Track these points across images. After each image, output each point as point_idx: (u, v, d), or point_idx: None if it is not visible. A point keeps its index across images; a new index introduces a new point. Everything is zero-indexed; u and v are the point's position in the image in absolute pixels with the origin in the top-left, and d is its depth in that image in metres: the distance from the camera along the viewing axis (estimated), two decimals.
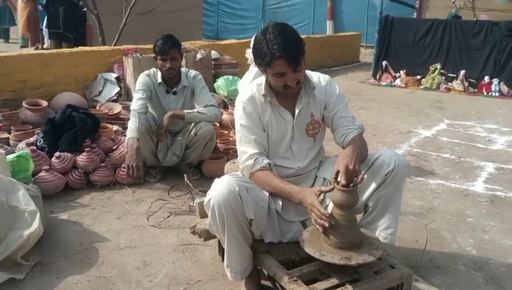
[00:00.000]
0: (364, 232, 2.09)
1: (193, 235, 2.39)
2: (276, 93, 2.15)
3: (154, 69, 3.73)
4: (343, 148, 2.17)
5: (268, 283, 2.24)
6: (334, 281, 1.95)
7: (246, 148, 2.11)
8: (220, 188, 1.90)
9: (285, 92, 2.09)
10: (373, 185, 2.12)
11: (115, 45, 6.80)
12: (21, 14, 9.92)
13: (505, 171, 4.13)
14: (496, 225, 3.04)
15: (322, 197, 2.00)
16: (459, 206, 3.34)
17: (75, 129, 3.52)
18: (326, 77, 2.28)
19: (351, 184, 1.90)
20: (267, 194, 2.06)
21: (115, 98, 5.38)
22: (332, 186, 1.90)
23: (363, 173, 1.94)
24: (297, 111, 2.17)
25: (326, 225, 1.86)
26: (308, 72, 2.24)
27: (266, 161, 2.11)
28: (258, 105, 2.14)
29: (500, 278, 2.42)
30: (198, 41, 7.57)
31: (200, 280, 2.34)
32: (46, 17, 9.58)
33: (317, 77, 2.26)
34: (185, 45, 6.63)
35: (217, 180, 1.96)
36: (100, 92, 5.48)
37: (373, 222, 2.18)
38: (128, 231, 2.83)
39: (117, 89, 5.47)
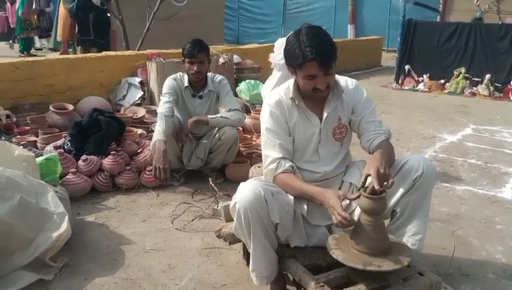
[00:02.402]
0: (391, 238, 2.07)
1: (217, 239, 2.39)
2: (304, 96, 2.14)
3: (181, 73, 3.76)
4: (370, 153, 2.15)
5: (293, 288, 2.22)
6: (361, 287, 1.93)
7: (270, 152, 2.11)
8: (245, 191, 1.90)
9: (314, 95, 2.08)
10: (401, 191, 2.09)
11: (138, 50, 6.90)
12: (63, 21, 10.12)
13: None
14: None
15: (347, 202, 1.98)
16: (487, 213, 3.27)
17: (101, 133, 3.57)
18: (354, 81, 2.27)
19: (380, 190, 1.88)
20: (292, 198, 2.06)
21: (139, 102, 5.44)
22: (358, 194, 1.88)
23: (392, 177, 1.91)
24: (325, 115, 2.15)
25: (347, 227, 1.85)
26: (335, 76, 2.23)
27: (289, 164, 2.10)
28: (285, 109, 2.14)
29: None
30: (220, 46, 7.61)
31: (225, 284, 2.34)
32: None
33: (344, 81, 2.24)
34: None
35: (242, 184, 1.97)
36: (124, 96, 5.56)
37: (401, 227, 2.15)
38: (153, 234, 2.85)
39: (141, 93, 5.54)
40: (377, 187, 1.81)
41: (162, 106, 3.50)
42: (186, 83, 3.66)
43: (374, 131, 2.17)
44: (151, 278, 2.39)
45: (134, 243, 2.73)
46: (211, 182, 3.04)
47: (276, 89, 2.22)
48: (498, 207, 3.38)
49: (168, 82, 3.64)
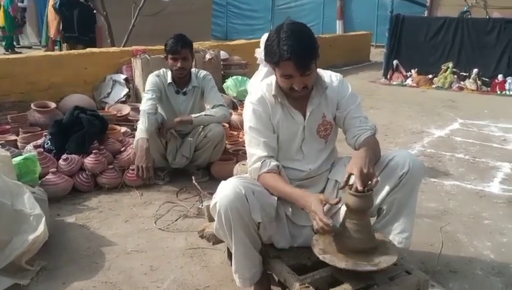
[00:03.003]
0: (378, 236, 2.02)
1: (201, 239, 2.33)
2: (286, 93, 2.07)
3: (164, 69, 3.68)
4: (355, 149, 2.09)
5: (278, 289, 2.17)
6: (347, 287, 1.87)
7: (254, 151, 2.04)
8: (226, 190, 1.84)
9: (291, 95, 2.02)
10: (387, 188, 2.04)
11: (123, 46, 6.79)
12: (53, 20, 9.94)
13: None
14: None
15: (327, 207, 1.91)
16: (475, 208, 3.24)
17: (82, 131, 3.48)
18: (338, 75, 2.21)
19: (365, 189, 1.83)
20: (275, 197, 1.99)
21: (124, 99, 5.34)
22: (339, 199, 1.84)
23: (377, 175, 1.86)
24: (308, 112, 2.09)
25: (328, 234, 1.80)
26: (319, 70, 2.16)
27: (274, 163, 2.03)
28: (268, 106, 2.07)
29: None
30: (207, 42, 7.52)
31: (208, 286, 2.28)
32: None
33: (328, 76, 2.18)
34: (194, 45, 6.60)
35: (223, 182, 1.90)
36: (109, 94, 5.45)
37: (387, 225, 2.10)
38: (136, 235, 2.78)
39: (126, 90, 5.43)
40: (360, 188, 1.76)
41: (145, 103, 3.42)
42: (169, 80, 3.58)
43: (359, 127, 2.11)
44: (132, 280, 2.31)
45: (115, 245, 2.66)
46: (194, 181, 2.97)
47: (258, 86, 2.15)
48: (486, 202, 3.35)
49: (151, 79, 3.56)
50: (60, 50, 9.78)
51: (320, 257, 1.88)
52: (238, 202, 1.81)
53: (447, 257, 2.56)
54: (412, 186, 2.04)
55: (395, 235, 2.08)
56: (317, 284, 1.93)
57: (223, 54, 6.59)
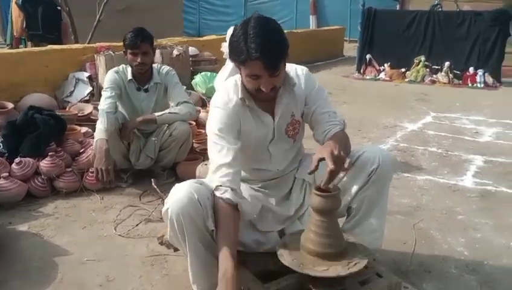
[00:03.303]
0: (348, 238, 1.90)
1: None
2: (252, 94, 1.91)
3: (124, 65, 3.49)
4: None
5: None
6: None
7: (215, 157, 1.84)
8: (178, 195, 1.69)
9: (257, 96, 1.86)
10: (356, 186, 1.92)
11: (88, 43, 6.53)
12: (17, 18, 9.52)
13: (494, 164, 3.98)
14: (488, 223, 2.87)
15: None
16: (448, 203, 3.17)
17: (37, 132, 3.26)
18: (304, 69, 2.06)
19: (332, 188, 1.70)
20: None
21: (87, 98, 5.11)
22: None
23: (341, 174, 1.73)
24: (278, 113, 1.94)
25: None
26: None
27: (228, 196, 1.73)
28: (234, 110, 1.89)
29: (495, 281, 2.25)
30: (176, 38, 7.31)
31: None
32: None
33: (293, 70, 2.03)
34: (162, 41, 6.40)
35: (176, 186, 1.75)
36: (71, 92, 5.21)
37: (357, 225, 1.99)
38: (93, 243, 2.60)
39: (89, 89, 5.20)
40: (332, 166, 1.60)
41: (103, 102, 3.22)
42: (129, 76, 3.39)
43: (328, 122, 1.98)
44: None
45: (70, 254, 2.47)
46: (153, 184, 2.80)
47: (224, 87, 1.97)
48: (459, 196, 3.29)
49: (110, 76, 3.36)
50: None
51: (286, 263, 1.75)
52: (191, 208, 1.66)
53: (420, 255, 2.47)
54: (383, 183, 1.93)
55: (366, 236, 1.97)
56: None
57: (193, 50, 6.41)
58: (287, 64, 2.02)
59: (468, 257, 2.47)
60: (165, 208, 1.71)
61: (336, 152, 1.64)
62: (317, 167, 1.67)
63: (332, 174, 1.64)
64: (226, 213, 1.73)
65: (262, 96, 1.83)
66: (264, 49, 1.66)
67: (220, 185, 1.75)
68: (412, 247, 2.54)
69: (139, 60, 3.27)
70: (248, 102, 1.89)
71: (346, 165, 1.64)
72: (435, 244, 2.60)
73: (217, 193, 1.75)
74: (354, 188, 1.93)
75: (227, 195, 1.74)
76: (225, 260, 1.63)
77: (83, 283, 2.21)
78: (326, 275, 1.69)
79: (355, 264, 1.74)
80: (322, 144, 1.98)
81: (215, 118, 1.89)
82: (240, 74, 1.85)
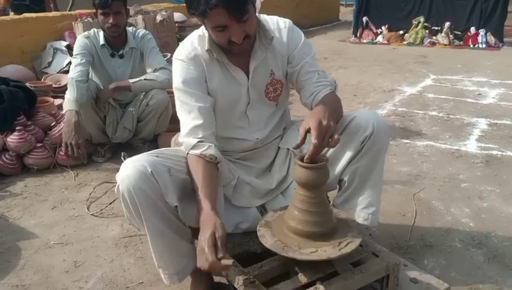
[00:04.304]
0: (338, 214, 1.67)
1: None
2: (224, 49, 1.64)
3: (95, 29, 3.19)
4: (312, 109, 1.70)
5: (224, 279, 1.81)
6: (302, 279, 1.53)
7: (186, 119, 1.62)
8: (127, 170, 1.44)
9: (232, 49, 1.58)
10: (347, 155, 1.66)
11: (69, 11, 6.18)
12: None
13: (499, 127, 3.73)
14: (494, 190, 2.64)
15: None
16: (451, 170, 2.94)
17: (3, 105, 2.99)
18: (287, 21, 1.77)
19: (319, 158, 1.45)
20: None
21: (67, 68, 4.81)
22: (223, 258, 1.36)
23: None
24: (252, 69, 1.68)
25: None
26: (263, 16, 1.74)
27: (211, 152, 1.56)
28: (201, 63, 1.64)
29: (504, 255, 2.03)
30: (162, 4, 6.95)
31: (142, 282, 1.90)
32: None
33: (275, 23, 1.75)
34: (147, 7, 6.06)
35: (127, 160, 1.50)
36: (50, 63, 4.92)
37: (349, 200, 1.74)
38: (63, 224, 2.37)
39: (68, 59, 4.87)
40: (315, 141, 1.35)
41: (73, 70, 2.94)
42: (102, 41, 3.10)
43: (316, 83, 1.71)
44: (50, 281, 1.92)
45: (36, 237, 2.25)
46: (122, 157, 2.53)
47: (188, 38, 1.71)
48: (462, 162, 3.05)
49: (79, 41, 3.06)
50: None
51: (267, 246, 1.52)
52: (143, 183, 1.41)
53: (421, 228, 2.25)
54: (378, 152, 1.67)
55: (360, 211, 1.72)
56: (266, 277, 1.59)
57: (179, 16, 6.08)
58: (267, 16, 1.76)
59: (473, 229, 2.24)
60: (116, 186, 1.47)
61: (324, 122, 1.39)
62: (304, 139, 1.42)
63: (317, 149, 1.40)
64: (209, 174, 1.54)
65: (235, 49, 1.56)
66: None
67: (200, 141, 1.57)
68: (412, 219, 2.32)
69: (110, 20, 2.96)
70: (216, 54, 1.62)
71: (333, 140, 1.39)
72: (437, 215, 2.38)
73: (197, 151, 1.56)
74: (345, 158, 1.68)
75: (211, 151, 1.56)
76: (205, 212, 1.44)
77: (47, 269, 1.99)
78: (314, 258, 1.47)
79: (347, 244, 1.51)
80: (309, 108, 1.73)
81: (177, 71, 1.65)
82: (206, 28, 1.58)
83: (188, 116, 1.63)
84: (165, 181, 1.45)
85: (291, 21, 1.80)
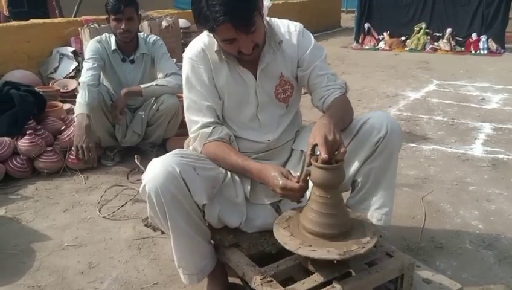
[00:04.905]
0: (353, 214, 1.69)
1: None
2: (236, 57, 1.67)
3: (107, 34, 3.23)
4: (324, 112, 1.73)
5: (239, 280, 1.83)
6: (318, 278, 1.55)
7: (196, 117, 1.68)
8: (155, 170, 1.46)
9: (243, 58, 1.63)
10: (361, 156, 1.69)
11: (74, 17, 6.23)
12: None
13: (504, 132, 3.76)
14: (502, 193, 2.66)
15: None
16: (458, 173, 2.96)
17: (14, 110, 3.02)
18: (298, 25, 1.81)
19: (334, 159, 1.48)
20: (223, 171, 1.64)
21: (73, 74, 4.86)
22: (303, 174, 1.47)
23: (345, 144, 1.50)
24: (259, 70, 1.71)
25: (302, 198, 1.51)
26: (275, 20, 1.77)
27: (226, 132, 1.68)
28: (210, 63, 1.68)
29: None
30: (166, 10, 7.01)
31: (156, 283, 1.92)
32: None
33: (285, 26, 1.78)
34: (151, 13, 6.10)
35: (154, 160, 1.52)
36: (56, 69, 4.96)
37: (363, 201, 1.77)
38: (75, 226, 2.39)
39: (75, 64, 4.95)
40: (325, 156, 1.40)
41: (85, 74, 2.97)
42: (113, 46, 3.13)
43: (327, 86, 1.74)
44: (65, 282, 1.94)
45: (49, 239, 2.26)
46: (136, 160, 2.57)
47: (199, 37, 1.74)
48: (469, 166, 3.07)
49: (92, 45, 3.10)
50: None
51: (282, 244, 1.54)
52: (171, 185, 1.43)
53: (431, 230, 2.27)
54: (391, 153, 1.70)
55: (373, 212, 1.75)
56: (283, 276, 1.61)
57: (183, 22, 6.13)
58: (279, 20, 1.80)
59: (483, 231, 2.27)
60: (142, 186, 1.50)
61: (330, 137, 1.43)
62: (312, 153, 1.47)
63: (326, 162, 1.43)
64: (226, 146, 1.66)
65: (247, 58, 1.61)
66: (229, 9, 1.41)
67: (214, 128, 1.67)
68: (422, 222, 2.34)
69: (123, 26, 3.00)
70: (225, 56, 1.66)
71: (340, 154, 1.44)
72: (447, 218, 2.40)
73: (215, 136, 1.66)
74: (359, 159, 1.70)
75: (224, 132, 1.68)
76: (258, 166, 1.59)
77: (62, 270, 2.01)
78: (329, 257, 1.48)
79: (364, 244, 1.53)
80: (321, 110, 1.77)
81: (188, 71, 1.70)
82: (216, 40, 1.61)
83: (198, 115, 1.68)
84: (193, 181, 1.48)
85: (302, 25, 1.83)
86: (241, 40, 1.51)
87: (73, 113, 3.48)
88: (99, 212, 2.52)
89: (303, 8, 10.33)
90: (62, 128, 3.21)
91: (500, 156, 3.23)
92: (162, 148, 3.33)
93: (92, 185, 2.88)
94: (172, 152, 1.57)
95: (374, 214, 1.75)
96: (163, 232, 1.88)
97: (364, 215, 1.74)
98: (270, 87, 1.75)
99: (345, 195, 1.83)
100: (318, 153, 1.49)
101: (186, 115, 1.73)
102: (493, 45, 7.59)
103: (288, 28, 1.78)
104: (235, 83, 1.70)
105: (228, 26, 1.45)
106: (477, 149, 3.38)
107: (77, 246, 2.20)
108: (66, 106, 3.63)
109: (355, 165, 1.72)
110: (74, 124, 3.15)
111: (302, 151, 1.85)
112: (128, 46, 3.16)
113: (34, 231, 2.35)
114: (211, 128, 1.67)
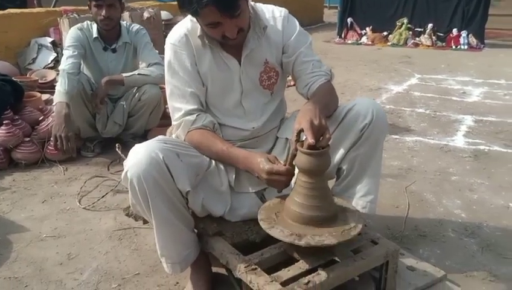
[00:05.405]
0: (338, 201, 1.68)
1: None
2: (219, 42, 1.64)
3: (89, 22, 3.15)
4: (308, 99, 1.70)
5: (223, 270, 1.80)
6: (303, 265, 1.53)
7: (179, 104, 1.64)
8: (138, 155, 1.42)
9: (227, 43, 1.59)
10: (346, 143, 1.68)
11: (53, 7, 6.09)
12: None
13: (485, 124, 3.80)
14: (484, 183, 2.69)
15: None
16: (440, 163, 2.98)
17: None
18: (283, 10, 1.78)
19: (320, 145, 1.46)
20: (207, 159, 1.61)
21: (52, 65, 4.75)
22: (288, 160, 1.47)
23: (331, 131, 1.48)
24: (243, 56, 1.68)
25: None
26: (259, 5, 1.74)
27: (210, 119, 1.65)
28: (193, 49, 1.64)
29: (496, 245, 2.06)
30: (148, 2, 6.90)
31: (138, 273, 1.88)
32: None
33: (270, 12, 1.76)
34: (133, 4, 6.01)
35: (136, 146, 1.48)
36: (34, 60, 4.85)
37: (348, 188, 1.75)
38: (54, 217, 2.33)
39: (53, 55, 4.84)
40: (311, 141, 1.37)
41: (65, 62, 2.89)
42: (95, 34, 3.05)
43: (312, 73, 1.72)
44: (43, 273, 1.88)
45: (27, 231, 2.20)
46: (117, 149, 2.51)
47: (182, 22, 1.70)
48: (451, 157, 3.10)
49: (72, 32, 3.02)
50: None
51: (267, 231, 1.51)
52: (154, 170, 1.40)
53: (414, 219, 2.27)
54: (377, 140, 1.69)
55: (358, 199, 1.74)
56: (268, 264, 1.58)
57: (165, 14, 6.07)
58: (263, 5, 1.77)
59: (465, 220, 2.28)
60: (124, 172, 1.45)
61: (316, 121, 1.41)
62: (298, 139, 1.44)
63: (313, 147, 1.41)
64: (209, 134, 1.63)
65: (231, 42, 1.57)
66: None
67: (198, 115, 1.64)
68: (405, 211, 2.34)
69: (103, 13, 2.93)
70: (208, 41, 1.62)
71: (325, 139, 1.42)
72: (430, 207, 2.41)
73: (198, 124, 1.63)
74: (344, 146, 1.69)
75: (208, 120, 1.65)
76: (243, 153, 1.58)
77: (40, 262, 1.95)
78: (312, 244, 1.46)
79: (349, 230, 1.51)
80: (305, 97, 1.75)
81: (171, 57, 1.65)
82: (199, 24, 1.57)
83: (181, 102, 1.65)
84: (176, 167, 1.44)
85: (287, 10, 1.80)
86: (225, 24, 1.48)
87: (52, 104, 3.42)
88: (79, 203, 2.46)
89: (285, 3, 10.26)
90: (40, 119, 3.13)
91: (482, 147, 3.26)
92: (143, 139, 3.21)
93: (72, 176, 2.81)
94: (156, 138, 1.53)
95: (359, 202, 1.74)
96: (145, 222, 1.85)
97: (349, 202, 1.73)
98: (254, 73, 1.72)
99: (330, 184, 1.83)
100: (304, 138, 1.48)
101: (169, 101, 1.69)
102: (473, 41, 7.69)
103: (273, 13, 1.75)
104: (218, 69, 1.67)
105: (212, 9, 1.41)
106: (459, 140, 3.41)
107: (56, 237, 2.14)
108: (45, 96, 3.54)
109: (340, 153, 1.70)
110: (53, 113, 3.07)
111: (286, 139, 1.83)
112: (110, 34, 3.09)
113: (11, 222, 2.27)
114: (195, 115, 1.64)
